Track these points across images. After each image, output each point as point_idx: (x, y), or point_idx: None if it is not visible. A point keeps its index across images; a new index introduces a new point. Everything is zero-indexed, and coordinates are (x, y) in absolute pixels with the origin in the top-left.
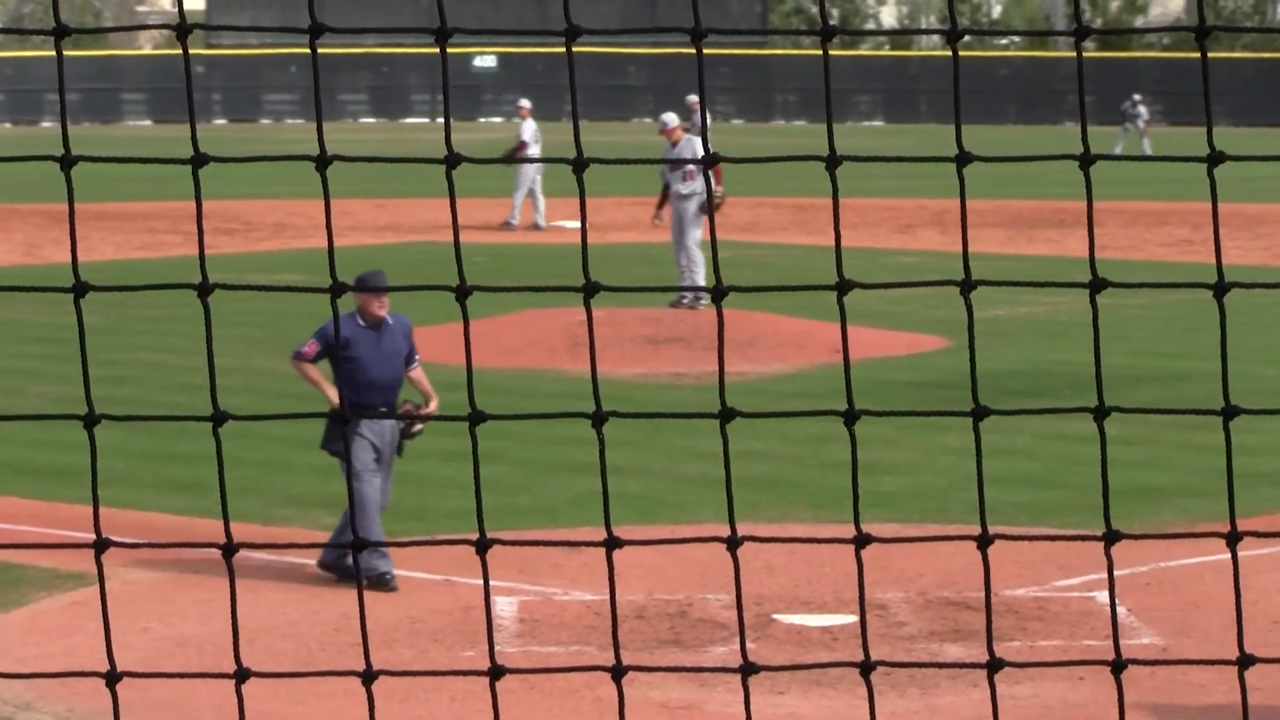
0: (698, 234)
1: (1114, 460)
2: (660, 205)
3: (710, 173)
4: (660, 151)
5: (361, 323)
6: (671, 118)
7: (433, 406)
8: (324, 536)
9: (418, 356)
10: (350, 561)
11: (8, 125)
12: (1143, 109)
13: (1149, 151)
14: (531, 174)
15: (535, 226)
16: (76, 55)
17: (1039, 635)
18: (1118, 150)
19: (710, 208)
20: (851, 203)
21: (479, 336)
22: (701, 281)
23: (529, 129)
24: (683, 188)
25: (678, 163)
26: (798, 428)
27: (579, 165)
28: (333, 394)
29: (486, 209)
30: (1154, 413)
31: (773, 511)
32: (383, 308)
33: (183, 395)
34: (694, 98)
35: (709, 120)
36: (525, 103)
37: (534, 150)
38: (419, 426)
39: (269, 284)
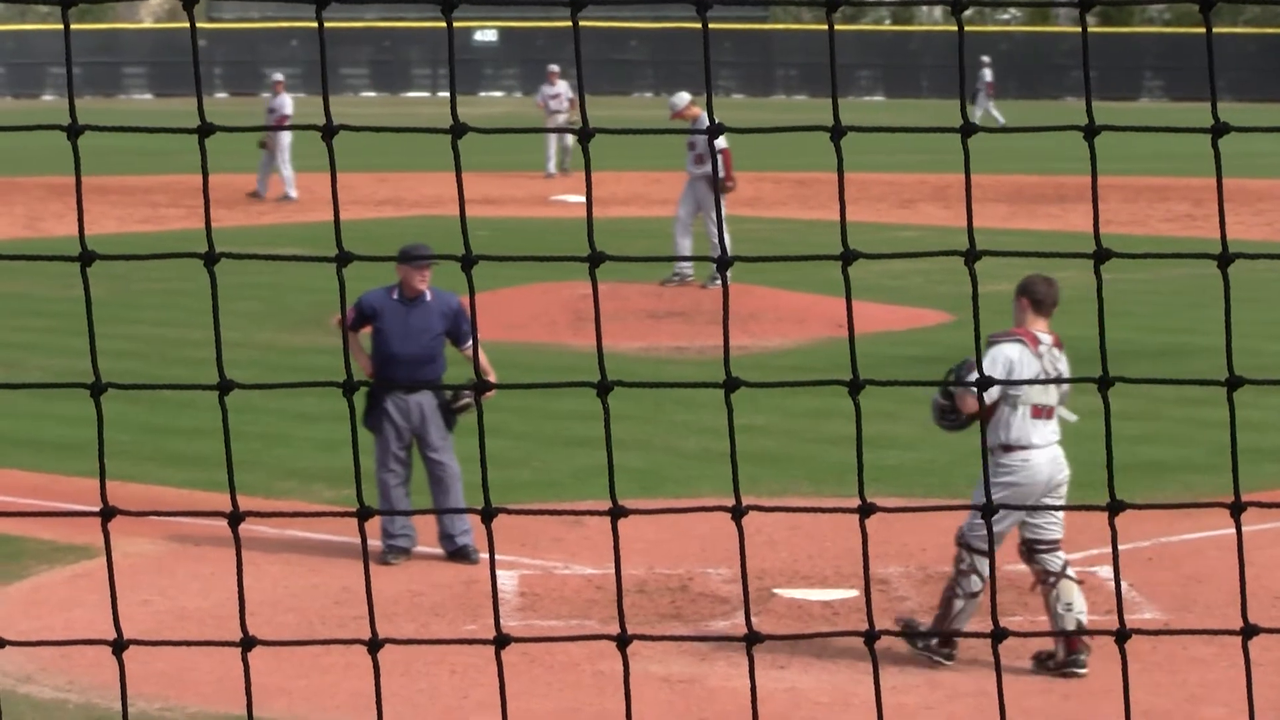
0: (714, 212)
1: (1117, 435)
2: None
3: (720, 157)
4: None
5: (396, 296)
6: (682, 98)
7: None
8: (325, 509)
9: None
10: (389, 540)
11: (9, 99)
12: (985, 72)
13: (998, 119)
14: (287, 146)
15: (285, 197)
16: (79, 29)
17: (1040, 610)
18: (1001, 121)
19: (717, 186)
20: (852, 177)
21: (480, 310)
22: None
23: (288, 102)
24: (695, 169)
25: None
26: (798, 403)
27: (585, 135)
28: (359, 365)
29: (487, 183)
30: (1156, 383)
31: (773, 486)
32: (423, 282)
33: (185, 369)
34: (555, 67)
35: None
36: (279, 76)
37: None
38: (464, 400)
39: (272, 254)
